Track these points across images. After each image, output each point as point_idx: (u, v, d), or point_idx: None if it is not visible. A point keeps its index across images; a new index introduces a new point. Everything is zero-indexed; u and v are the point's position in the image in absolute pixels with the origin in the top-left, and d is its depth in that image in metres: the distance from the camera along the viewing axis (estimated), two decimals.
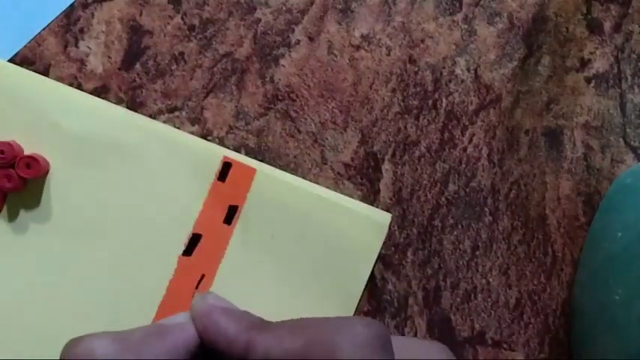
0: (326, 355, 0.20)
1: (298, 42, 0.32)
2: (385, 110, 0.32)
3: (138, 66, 0.31)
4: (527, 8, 0.33)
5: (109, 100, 0.30)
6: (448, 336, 0.31)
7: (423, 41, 0.32)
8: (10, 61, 0.30)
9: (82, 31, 0.31)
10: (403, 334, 0.31)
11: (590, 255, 0.31)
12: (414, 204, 0.32)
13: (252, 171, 0.30)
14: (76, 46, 0.31)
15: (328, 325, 0.21)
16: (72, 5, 0.31)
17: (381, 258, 0.31)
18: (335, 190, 0.31)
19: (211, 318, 0.22)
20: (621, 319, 0.28)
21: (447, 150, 0.32)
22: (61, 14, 0.30)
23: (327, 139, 0.31)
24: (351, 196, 0.31)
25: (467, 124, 0.32)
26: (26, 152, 0.28)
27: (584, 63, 0.33)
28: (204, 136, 0.31)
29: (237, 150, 0.31)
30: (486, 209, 0.32)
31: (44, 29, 0.30)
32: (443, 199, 0.32)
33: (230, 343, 0.21)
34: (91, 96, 0.30)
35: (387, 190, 0.32)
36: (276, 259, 0.30)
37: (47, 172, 0.29)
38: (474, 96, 0.32)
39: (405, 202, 0.32)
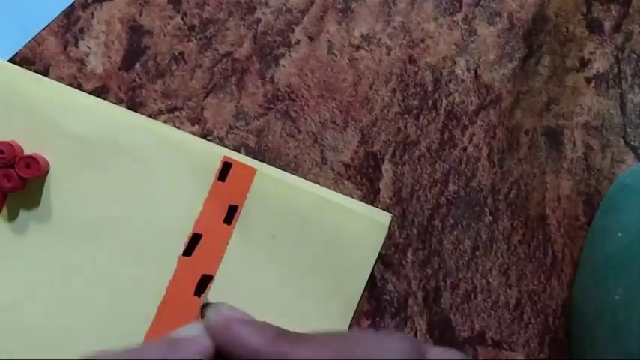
0: None
1: (298, 42, 0.32)
2: (385, 110, 0.32)
3: (138, 66, 0.31)
4: (527, 8, 0.33)
5: (109, 100, 0.30)
6: (448, 336, 0.31)
7: (423, 41, 0.32)
8: (10, 61, 0.30)
9: (82, 31, 0.31)
10: None
11: (590, 255, 0.31)
12: (414, 204, 0.32)
13: (252, 171, 0.30)
14: (76, 46, 0.31)
15: (364, 337, 0.21)
16: (72, 5, 0.31)
17: (381, 258, 0.31)
18: (335, 190, 0.31)
19: (232, 329, 0.22)
20: (621, 319, 0.28)
21: (447, 150, 0.32)
22: (61, 14, 0.30)
23: (327, 139, 0.31)
24: (351, 196, 0.31)
25: (467, 124, 0.32)
26: (26, 152, 0.28)
27: (584, 63, 0.33)
28: (204, 136, 0.31)
29: (237, 150, 0.31)
30: (486, 209, 0.32)
31: (44, 29, 0.30)
32: (443, 199, 0.32)
33: (257, 355, 0.21)
34: (91, 96, 0.30)
35: (387, 190, 0.32)
36: (276, 259, 0.30)
37: (47, 172, 0.29)
38: (474, 96, 0.32)
39: (405, 202, 0.32)
